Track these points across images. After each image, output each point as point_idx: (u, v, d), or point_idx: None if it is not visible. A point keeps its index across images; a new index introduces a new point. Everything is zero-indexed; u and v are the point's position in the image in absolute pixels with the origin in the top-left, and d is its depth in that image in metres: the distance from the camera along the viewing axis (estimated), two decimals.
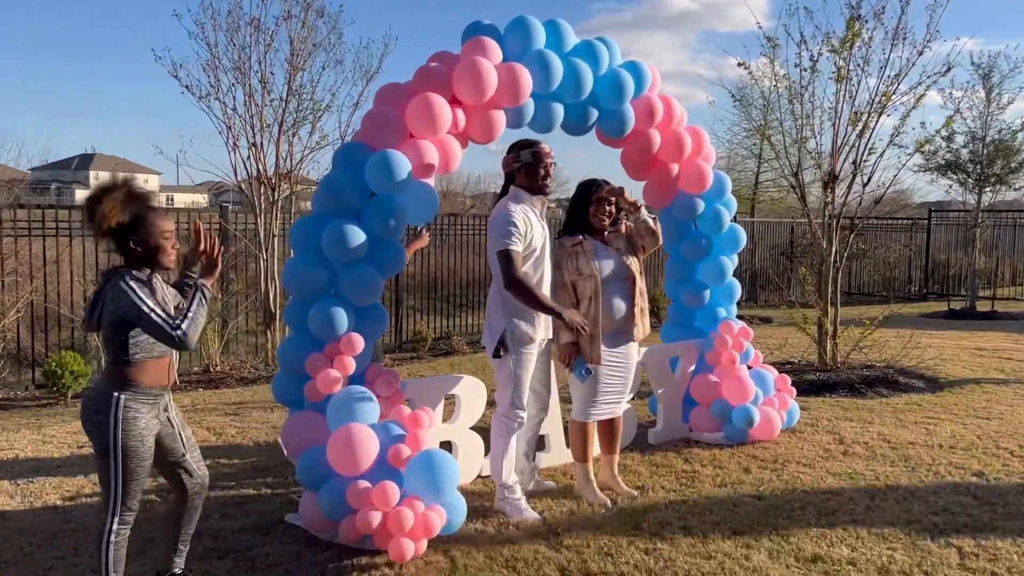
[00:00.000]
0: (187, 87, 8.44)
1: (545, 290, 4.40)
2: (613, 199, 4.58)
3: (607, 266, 4.52)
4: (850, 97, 8.07)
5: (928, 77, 8.06)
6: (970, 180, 14.58)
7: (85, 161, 69.45)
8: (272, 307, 8.78)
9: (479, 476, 4.93)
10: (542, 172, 4.36)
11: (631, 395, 4.92)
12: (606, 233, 4.63)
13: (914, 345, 8.81)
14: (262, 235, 8.82)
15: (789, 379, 6.09)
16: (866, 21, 7.94)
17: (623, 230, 4.72)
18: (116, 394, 3.06)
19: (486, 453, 4.93)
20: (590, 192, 4.57)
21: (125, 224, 3.06)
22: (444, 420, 4.79)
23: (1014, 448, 5.59)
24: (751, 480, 4.94)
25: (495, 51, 4.42)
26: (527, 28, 4.58)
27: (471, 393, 4.82)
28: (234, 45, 8.45)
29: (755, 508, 4.47)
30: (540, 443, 5.26)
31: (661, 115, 5.16)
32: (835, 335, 8.16)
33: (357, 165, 4.18)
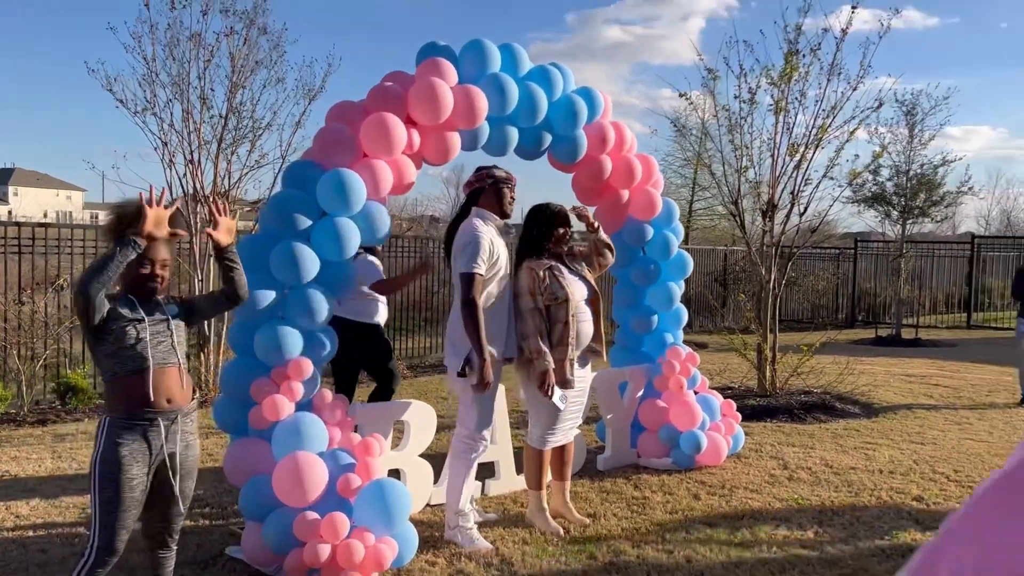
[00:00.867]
0: (121, 101, 8.16)
1: (507, 309, 4.34)
2: (570, 224, 4.57)
3: (579, 290, 4.49)
4: (788, 129, 8.29)
5: (861, 112, 8.35)
6: (894, 212, 15.15)
7: (4, 176, 66.81)
8: (206, 330, 8.48)
9: (428, 505, 4.81)
10: (509, 195, 4.34)
11: (582, 420, 4.89)
12: (565, 256, 4.60)
13: (848, 371, 9.02)
14: (197, 255, 8.54)
15: (734, 404, 6.15)
16: (803, 56, 8.20)
17: (576, 251, 4.72)
18: (103, 418, 2.91)
19: (435, 481, 4.81)
20: (550, 217, 4.51)
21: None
22: (392, 447, 4.67)
23: (949, 472, 5.74)
24: (701, 506, 4.94)
25: (451, 72, 4.37)
26: (483, 51, 4.55)
27: (421, 419, 4.70)
28: (173, 59, 8.20)
29: (707, 535, 4.46)
30: (490, 470, 5.18)
31: (613, 141, 5.18)
32: (774, 361, 8.31)
33: (308, 183, 4.07)
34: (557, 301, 4.37)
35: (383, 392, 5.59)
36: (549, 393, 4.30)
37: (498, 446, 5.16)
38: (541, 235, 4.50)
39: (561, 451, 4.70)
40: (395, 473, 4.54)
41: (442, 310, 12.55)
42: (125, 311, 2.94)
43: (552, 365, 4.30)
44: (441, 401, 8.13)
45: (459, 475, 4.30)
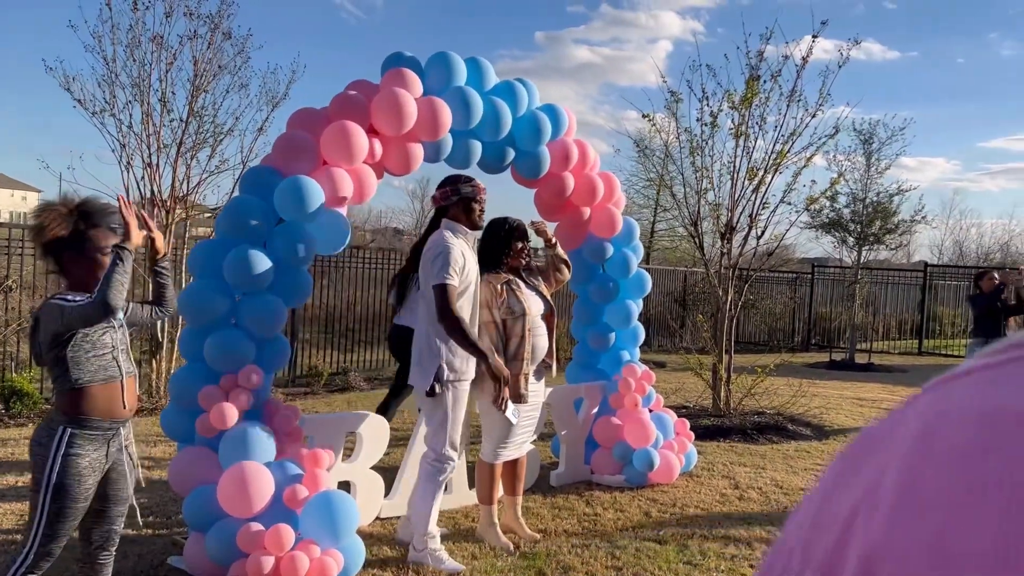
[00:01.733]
0: (79, 101, 8.02)
1: (476, 321, 4.30)
2: (528, 238, 4.57)
3: (535, 304, 4.49)
4: (747, 153, 8.42)
5: (819, 139, 8.51)
6: (850, 238, 15.44)
7: None
8: (159, 335, 8.33)
9: (378, 518, 4.76)
10: (477, 208, 4.29)
11: (535, 435, 4.88)
12: (522, 271, 4.61)
13: (801, 394, 9.15)
14: None
15: (688, 423, 6.19)
16: (764, 82, 8.34)
17: (532, 266, 4.72)
18: (62, 428, 2.80)
19: (386, 494, 4.77)
20: (509, 231, 4.51)
21: (64, 239, 2.88)
22: (343, 459, 4.61)
23: None
24: (652, 524, 4.95)
25: (416, 84, 4.37)
26: (448, 63, 4.56)
27: (373, 431, 4.66)
28: (134, 61, 8.10)
29: (656, 553, 4.47)
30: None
31: (576, 159, 5.21)
32: (729, 381, 8.39)
33: (266, 189, 4.03)
34: (514, 315, 4.36)
35: (398, 390, 5.97)
36: (503, 407, 4.28)
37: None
38: (499, 249, 4.48)
39: (513, 466, 4.68)
40: (346, 485, 4.48)
41: None
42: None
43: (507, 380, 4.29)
44: (396, 415, 8.06)
45: (427, 497, 4.19)
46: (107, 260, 2.89)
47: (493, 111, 4.62)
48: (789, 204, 8.67)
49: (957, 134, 77.80)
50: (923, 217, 15.60)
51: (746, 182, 8.36)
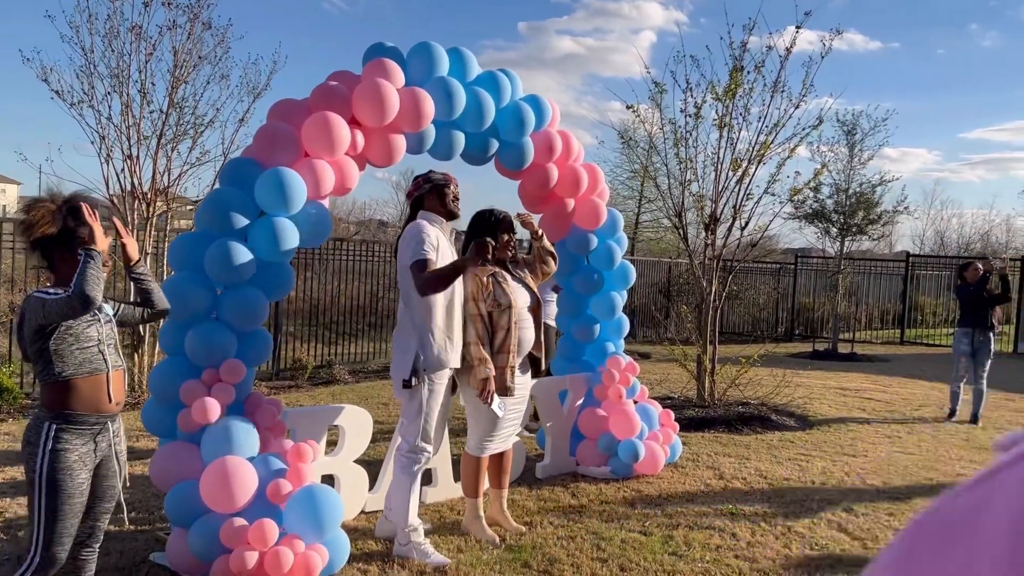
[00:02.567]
0: (57, 92, 7.90)
1: (457, 315, 4.28)
2: (514, 230, 4.55)
3: (521, 297, 4.47)
4: (731, 144, 8.42)
5: (803, 130, 8.52)
6: (833, 229, 15.52)
7: None
8: (141, 330, 8.25)
9: (362, 512, 4.74)
10: (451, 195, 4.30)
11: (521, 428, 4.87)
12: (508, 263, 4.58)
13: (785, 384, 9.19)
14: None
15: (672, 414, 6.20)
16: (747, 73, 8.34)
17: (519, 258, 4.70)
18: (48, 423, 2.80)
19: (371, 488, 4.75)
20: (495, 223, 4.48)
21: (53, 236, 2.89)
22: (326, 452, 4.59)
23: (879, 484, 5.87)
24: (637, 515, 4.96)
25: (397, 74, 4.33)
26: (431, 54, 4.52)
27: (356, 424, 4.63)
28: (112, 51, 7.98)
29: (642, 544, 4.47)
30: (427, 478, 5.12)
31: (560, 150, 5.19)
32: (713, 372, 8.41)
33: (247, 182, 3.98)
34: (500, 308, 4.33)
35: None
36: (489, 400, 4.27)
37: (436, 453, 5.11)
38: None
39: (499, 458, 4.67)
40: (329, 479, 4.46)
41: (386, 315, 12.44)
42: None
43: (493, 372, 4.27)
44: (381, 407, 8.05)
45: (404, 490, 4.18)
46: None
47: (476, 102, 4.58)
48: (773, 195, 8.70)
49: (938, 125, 78.45)
50: (905, 208, 15.70)
51: (730, 173, 8.37)
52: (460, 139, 4.71)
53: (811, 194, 14.84)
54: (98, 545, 3.12)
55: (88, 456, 2.87)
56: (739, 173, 8.34)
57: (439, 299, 4.14)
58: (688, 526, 4.79)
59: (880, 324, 19.65)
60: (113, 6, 7.91)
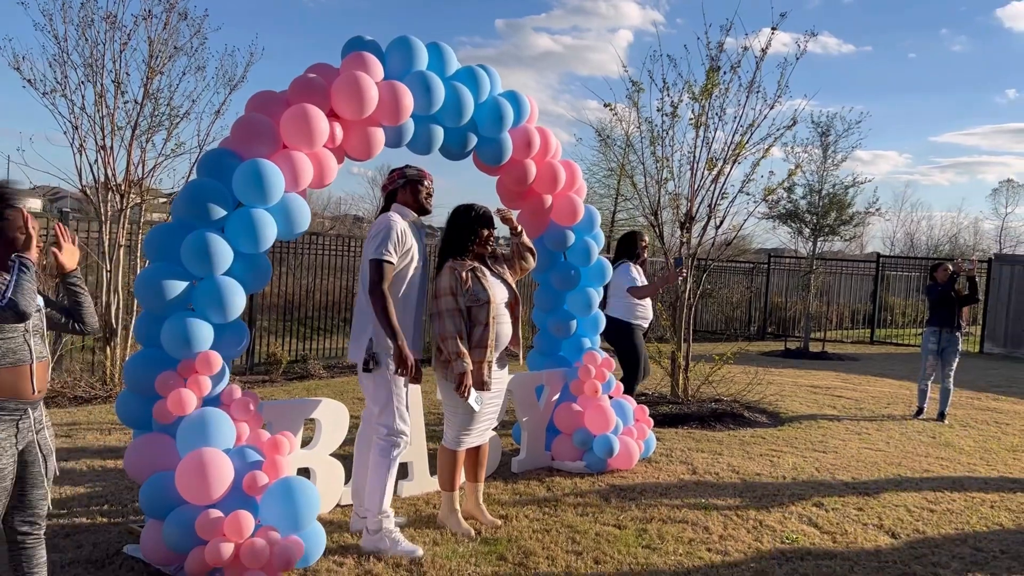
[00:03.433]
0: (29, 81, 7.80)
1: (417, 305, 4.30)
2: (493, 225, 4.56)
3: (500, 292, 4.49)
4: (707, 144, 8.50)
5: (777, 131, 8.63)
6: (806, 229, 15.71)
7: None
8: (113, 322, 8.17)
9: (338, 505, 4.74)
10: (424, 191, 4.33)
11: (497, 422, 4.89)
12: (487, 258, 4.60)
13: (757, 382, 9.30)
14: (106, 245, 8.22)
15: (647, 410, 6.26)
16: (724, 73, 8.42)
17: (498, 254, 4.72)
18: None
19: (347, 481, 4.74)
20: (475, 218, 4.49)
21: None
22: (302, 445, 4.58)
23: (848, 479, 5.97)
24: (611, 510, 5.00)
25: (376, 68, 4.33)
26: (410, 48, 4.52)
27: (332, 417, 4.63)
28: (86, 40, 7.90)
29: (615, 538, 4.52)
30: (403, 471, 5.13)
31: (538, 146, 5.21)
32: (687, 369, 8.49)
33: (224, 173, 3.96)
34: (479, 303, 4.35)
35: (625, 384, 6.50)
36: (466, 395, 4.29)
37: (412, 447, 5.12)
38: (465, 236, 4.46)
39: (476, 452, 4.69)
40: (305, 472, 4.46)
41: None
42: None
43: (470, 367, 4.29)
44: (357, 402, 8.03)
45: (382, 476, 4.19)
46: (22, 239, 2.92)
47: (455, 96, 4.60)
48: (747, 195, 8.80)
49: (909, 128, 79.46)
50: (877, 209, 15.94)
51: (705, 172, 8.45)
52: (439, 133, 4.71)
53: (785, 194, 15.01)
54: (41, 531, 3.11)
55: (9, 442, 2.87)
56: (714, 172, 8.42)
57: (391, 290, 4.16)
58: (662, 520, 4.85)
59: (851, 324, 19.91)
60: None
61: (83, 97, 7.92)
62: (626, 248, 7.30)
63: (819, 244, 15.93)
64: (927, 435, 7.80)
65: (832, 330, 18.71)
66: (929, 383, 8.73)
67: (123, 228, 8.25)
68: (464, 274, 4.35)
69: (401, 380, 4.21)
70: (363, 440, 4.51)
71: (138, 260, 8.38)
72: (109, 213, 8.17)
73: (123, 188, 8.18)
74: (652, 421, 6.30)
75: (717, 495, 5.42)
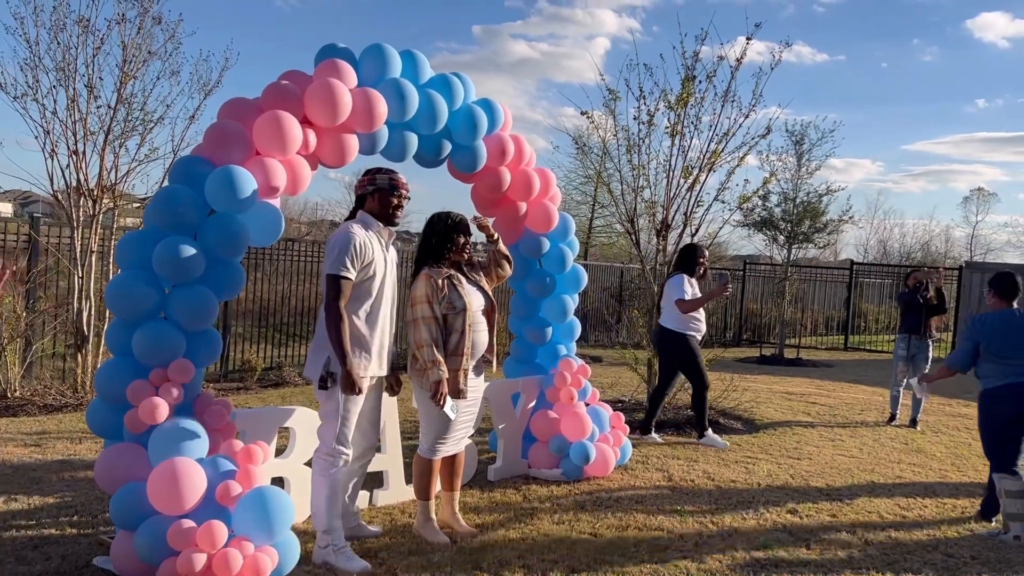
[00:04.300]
0: None
1: (383, 319, 4.20)
2: (470, 233, 4.56)
3: (476, 299, 4.47)
4: (683, 152, 8.55)
5: (752, 139, 8.70)
6: (781, 236, 15.86)
7: None
8: (85, 328, 8.07)
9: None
10: (395, 201, 4.23)
11: (473, 430, 4.88)
12: (463, 265, 4.58)
13: (733, 388, 9.36)
14: (78, 250, 8.12)
15: (623, 417, 6.27)
16: (699, 82, 8.48)
17: (474, 261, 4.71)
18: None
19: None
20: (451, 226, 4.45)
21: None
22: (276, 454, 4.54)
23: (822, 486, 6.02)
24: (587, 518, 5.00)
25: (350, 75, 4.31)
26: (383, 55, 4.51)
27: (307, 426, 4.59)
28: (58, 44, 7.81)
29: (591, 546, 4.52)
30: (379, 480, 5.11)
31: (512, 154, 5.22)
32: None
33: (197, 180, 3.93)
34: (455, 310, 4.33)
35: (696, 395, 7.18)
36: (441, 403, 4.26)
37: (387, 456, 5.10)
38: (441, 243, 4.43)
39: (451, 461, 4.67)
40: (279, 481, 4.42)
41: None
42: None
43: (446, 375, 4.27)
44: None
45: (320, 493, 4.08)
46: None
47: (429, 104, 4.59)
48: (723, 202, 8.85)
49: (882, 136, 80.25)
50: (850, 217, 16.12)
51: (681, 180, 8.49)
52: (413, 141, 4.71)
53: (760, 202, 15.15)
54: None
55: None
56: (690, 180, 8.47)
57: (353, 305, 4.06)
58: (637, 527, 4.86)
59: (825, 330, 20.11)
60: None
61: (55, 101, 7.84)
62: (684, 260, 7.39)
63: (794, 251, 16.09)
64: (899, 441, 7.88)
65: (807, 336, 18.89)
66: (901, 389, 8.83)
67: (95, 233, 8.15)
68: (440, 281, 4.33)
69: (357, 399, 4.07)
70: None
71: (111, 266, 8.29)
72: (81, 218, 8.08)
73: (95, 193, 8.08)
74: (628, 428, 6.32)
75: (692, 502, 5.44)
